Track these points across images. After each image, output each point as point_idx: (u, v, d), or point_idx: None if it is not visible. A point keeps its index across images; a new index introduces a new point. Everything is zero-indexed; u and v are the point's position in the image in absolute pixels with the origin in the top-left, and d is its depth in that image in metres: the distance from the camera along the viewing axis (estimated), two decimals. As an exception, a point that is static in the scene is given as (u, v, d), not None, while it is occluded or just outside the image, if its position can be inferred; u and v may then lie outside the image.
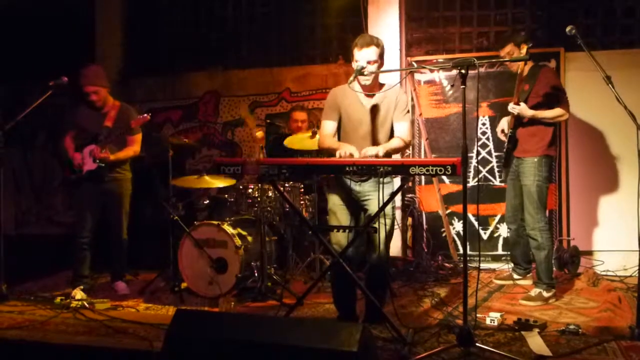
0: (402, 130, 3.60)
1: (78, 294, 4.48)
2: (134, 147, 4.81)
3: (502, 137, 4.62)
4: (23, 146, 7.28)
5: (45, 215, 7.26)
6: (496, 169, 5.81)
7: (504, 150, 4.59)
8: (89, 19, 6.95)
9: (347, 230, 3.59)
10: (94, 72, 4.77)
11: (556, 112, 4.31)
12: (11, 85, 6.90)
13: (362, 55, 3.52)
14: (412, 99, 5.98)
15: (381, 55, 3.57)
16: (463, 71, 3.06)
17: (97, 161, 4.61)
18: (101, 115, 4.77)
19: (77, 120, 4.84)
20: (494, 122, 5.73)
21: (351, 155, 3.37)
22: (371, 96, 3.63)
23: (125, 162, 4.86)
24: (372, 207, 3.56)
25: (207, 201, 5.38)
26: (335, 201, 3.68)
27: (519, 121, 4.42)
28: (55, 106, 6.37)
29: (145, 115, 4.65)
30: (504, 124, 4.58)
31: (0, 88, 7.14)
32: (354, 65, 3.55)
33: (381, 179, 3.25)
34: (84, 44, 6.82)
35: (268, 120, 6.06)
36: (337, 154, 3.43)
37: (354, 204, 3.65)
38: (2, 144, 4.42)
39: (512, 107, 4.31)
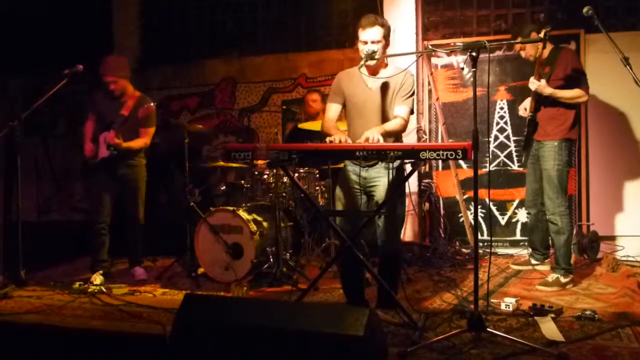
0: (401, 114, 3.54)
1: (97, 278, 4.59)
2: (145, 139, 4.86)
3: (523, 114, 4.55)
4: (44, 135, 7.40)
5: (67, 202, 7.39)
6: (514, 154, 5.73)
7: (524, 133, 4.53)
8: (106, 8, 7.01)
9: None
10: (114, 62, 4.85)
11: (575, 92, 4.22)
12: (31, 76, 6.99)
13: (366, 36, 3.49)
14: (429, 84, 5.92)
15: (386, 36, 3.52)
16: (474, 54, 3.02)
17: (111, 148, 4.67)
18: (119, 103, 4.82)
19: (95, 106, 4.93)
20: (512, 106, 5.65)
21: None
22: (374, 76, 3.59)
23: (140, 151, 4.91)
24: (378, 193, 3.53)
25: (224, 187, 5.41)
26: (342, 187, 3.66)
27: (539, 104, 4.35)
28: (75, 95, 6.48)
29: (147, 105, 4.73)
30: (527, 103, 4.51)
31: (21, 79, 7.26)
32: (360, 47, 3.53)
33: (390, 164, 3.22)
34: (102, 33, 6.90)
35: (284, 107, 6.04)
36: (327, 141, 3.40)
37: (360, 190, 3.61)
38: (20, 133, 4.49)
39: (532, 82, 4.24)
